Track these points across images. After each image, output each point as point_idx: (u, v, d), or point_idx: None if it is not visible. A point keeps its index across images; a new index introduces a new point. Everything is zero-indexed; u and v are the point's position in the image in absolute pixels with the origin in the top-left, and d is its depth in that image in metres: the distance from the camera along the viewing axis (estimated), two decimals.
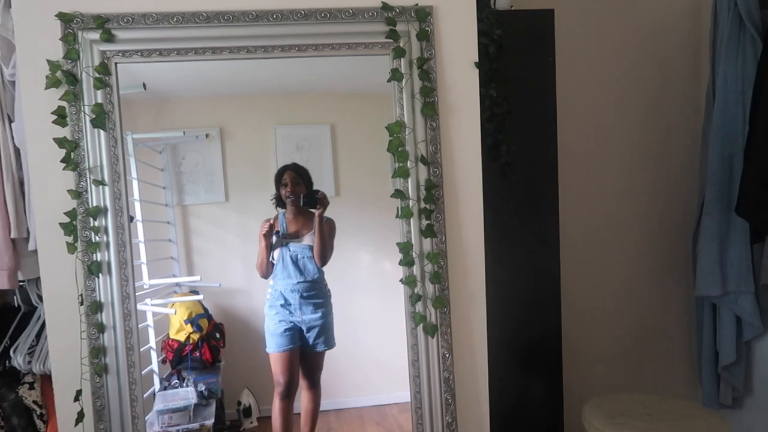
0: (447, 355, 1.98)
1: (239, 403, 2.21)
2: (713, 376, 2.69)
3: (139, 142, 2.05)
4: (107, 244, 1.84)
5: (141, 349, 1.90)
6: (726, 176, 2.45)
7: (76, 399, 1.82)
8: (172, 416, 2.02)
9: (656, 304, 2.89)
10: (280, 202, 2.14)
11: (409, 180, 1.94)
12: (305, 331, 2.15)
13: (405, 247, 1.94)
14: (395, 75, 1.92)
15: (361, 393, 2.26)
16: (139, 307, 1.92)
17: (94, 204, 1.83)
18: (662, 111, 2.80)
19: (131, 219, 1.91)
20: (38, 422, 2.20)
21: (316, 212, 2.06)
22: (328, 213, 2.07)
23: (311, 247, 2.11)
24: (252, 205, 2.14)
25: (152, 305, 2.11)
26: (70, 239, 1.82)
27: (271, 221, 2.11)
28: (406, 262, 1.94)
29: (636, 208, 2.83)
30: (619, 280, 2.81)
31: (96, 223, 1.83)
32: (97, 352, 1.83)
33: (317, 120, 2.18)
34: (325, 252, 2.11)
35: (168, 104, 2.11)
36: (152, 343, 2.13)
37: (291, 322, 2.14)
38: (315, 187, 2.09)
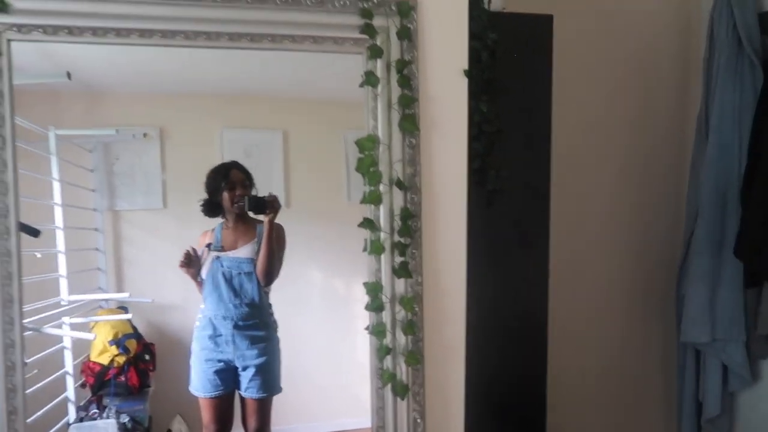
0: (419, 421, 1.66)
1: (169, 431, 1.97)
2: (693, 428, 2.53)
3: (65, 138, 1.86)
4: None
5: (54, 375, 1.74)
6: (719, 212, 2.32)
7: None
8: None
9: (636, 348, 2.68)
10: (211, 209, 1.83)
11: (381, 207, 1.61)
12: (240, 370, 1.83)
13: (373, 289, 1.62)
14: (369, 79, 1.59)
15: (303, 419, 2.10)
16: (53, 331, 1.74)
17: None
18: (646, 136, 2.62)
19: (35, 233, 1.60)
20: None
21: (266, 218, 1.76)
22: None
23: (250, 261, 1.80)
24: (193, 213, 1.88)
25: (71, 326, 1.83)
26: None
27: (191, 250, 1.80)
28: (375, 306, 1.62)
29: (617, 243, 2.61)
30: (602, 321, 2.59)
31: None
32: None
33: (269, 125, 2.05)
34: (272, 266, 1.80)
35: (101, 98, 1.91)
36: (68, 366, 1.86)
37: (221, 361, 1.81)
38: (270, 192, 1.83)
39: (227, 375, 1.83)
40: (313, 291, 2.12)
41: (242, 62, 1.76)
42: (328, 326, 2.11)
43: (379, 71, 1.60)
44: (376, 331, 1.62)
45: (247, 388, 1.83)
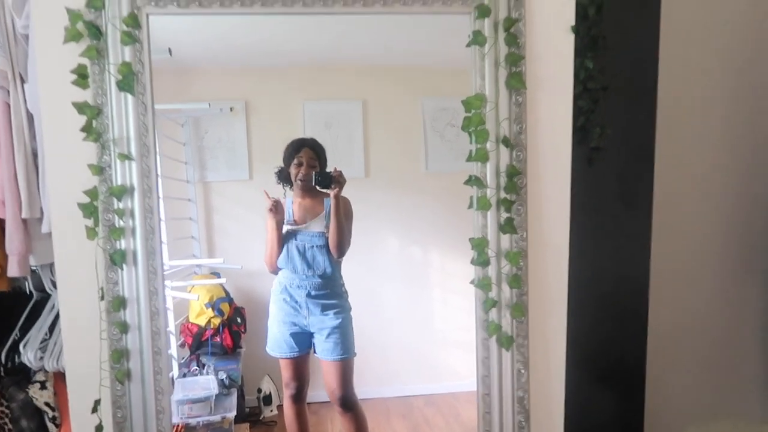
0: (522, 371, 1.70)
1: (259, 391, 2.14)
2: None
3: (160, 113, 1.91)
4: (133, 230, 1.59)
5: None
6: None
7: (95, 410, 1.57)
8: (192, 407, 1.90)
9: (736, 310, 2.59)
10: (282, 178, 1.93)
11: (488, 165, 1.64)
12: (315, 334, 1.92)
13: (480, 244, 1.66)
14: (477, 38, 1.61)
15: (386, 383, 2.16)
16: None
17: (119, 182, 1.57)
18: (754, 93, 2.45)
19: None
20: (50, 425, 1.95)
21: (332, 193, 1.82)
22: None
23: (321, 235, 1.87)
24: (277, 184, 1.96)
25: (172, 289, 1.95)
26: (89, 222, 1.57)
27: (275, 198, 1.89)
28: (481, 261, 1.66)
29: (722, 202, 2.49)
30: (703, 282, 2.50)
31: (121, 205, 1.58)
32: (119, 355, 1.59)
33: (348, 96, 2.08)
34: (343, 239, 1.86)
35: (191, 74, 2.00)
36: (171, 326, 1.96)
37: (296, 324, 1.92)
38: (339, 167, 1.86)
39: (302, 338, 1.93)
40: (390, 259, 2.16)
41: (323, 36, 1.81)
42: (404, 293, 2.16)
43: (487, 30, 1.61)
44: (482, 284, 1.67)
45: (323, 350, 1.92)
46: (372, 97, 2.07)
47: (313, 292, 1.89)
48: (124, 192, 1.57)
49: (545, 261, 1.72)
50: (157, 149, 1.89)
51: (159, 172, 1.87)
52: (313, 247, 1.88)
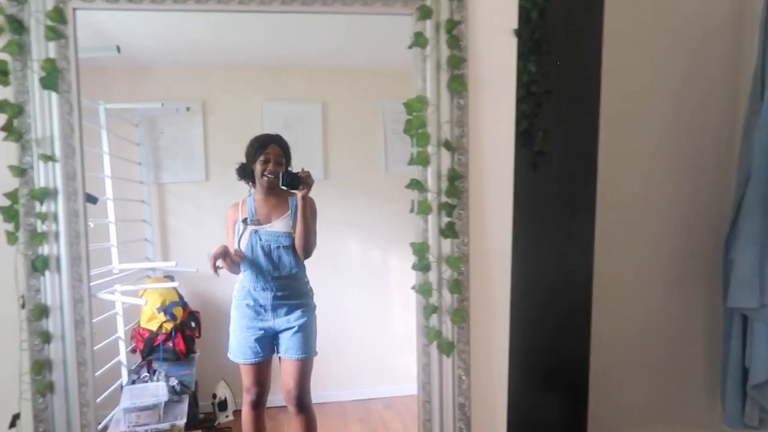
0: (464, 378, 1.69)
1: (214, 396, 2.09)
2: (738, 394, 2.50)
3: (113, 113, 1.92)
4: (56, 235, 1.51)
5: (107, 340, 1.76)
6: None
7: (13, 425, 1.50)
8: (140, 415, 1.84)
9: (680, 313, 2.65)
10: (244, 174, 1.88)
11: (429, 168, 1.62)
12: (279, 334, 1.89)
13: (420, 249, 1.64)
14: (419, 40, 1.59)
15: (344, 386, 2.15)
16: (106, 296, 1.79)
17: (42, 184, 1.50)
18: (697, 97, 2.52)
19: (94, 200, 1.66)
20: None
21: (300, 193, 1.78)
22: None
23: (287, 235, 1.84)
24: (234, 185, 1.93)
25: (122, 293, 1.91)
26: (10, 227, 1.50)
27: (217, 253, 1.80)
28: (421, 266, 1.64)
29: (664, 206, 2.55)
30: (647, 285, 2.55)
31: (43, 209, 1.50)
32: (41, 366, 1.51)
33: (308, 96, 2.06)
34: (309, 240, 1.83)
35: (146, 73, 1.94)
36: (120, 332, 1.94)
37: (261, 329, 1.88)
38: (298, 169, 1.82)
39: (267, 341, 1.89)
40: (351, 262, 2.14)
41: (282, 35, 1.78)
42: (364, 297, 2.14)
43: (429, 32, 1.59)
44: (423, 290, 1.64)
45: (287, 349, 1.89)
46: (332, 98, 2.05)
47: (279, 294, 1.86)
48: (47, 195, 1.49)
49: (487, 266, 1.71)
50: (104, 149, 1.89)
51: (108, 173, 1.87)
52: (279, 247, 1.84)
